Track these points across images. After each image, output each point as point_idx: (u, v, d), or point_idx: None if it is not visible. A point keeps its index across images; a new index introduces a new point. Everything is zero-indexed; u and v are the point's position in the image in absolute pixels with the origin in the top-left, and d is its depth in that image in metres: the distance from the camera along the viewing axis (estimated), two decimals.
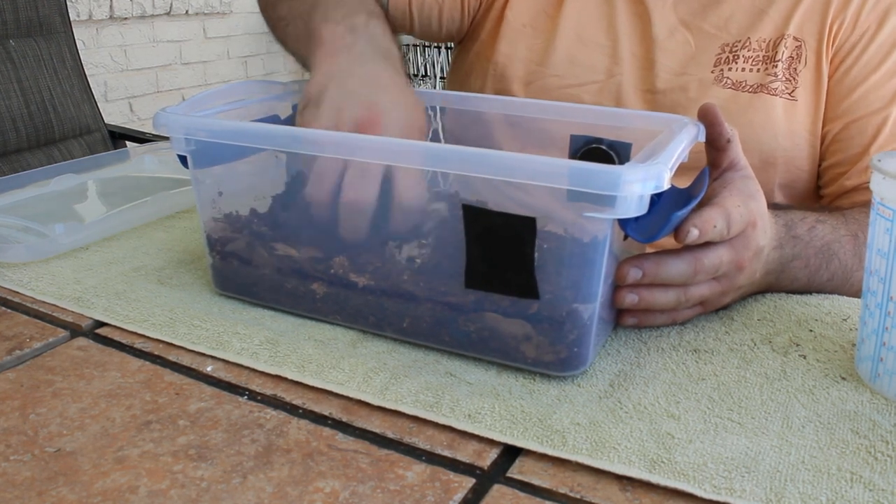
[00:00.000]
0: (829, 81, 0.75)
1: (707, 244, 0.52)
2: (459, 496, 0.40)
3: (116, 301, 0.59)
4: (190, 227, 0.76)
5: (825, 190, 0.78)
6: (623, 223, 0.46)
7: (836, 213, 0.65)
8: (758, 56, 0.76)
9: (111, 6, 2.47)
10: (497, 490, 0.40)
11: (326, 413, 0.47)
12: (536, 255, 0.46)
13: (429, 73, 3.63)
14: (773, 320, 0.58)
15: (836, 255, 0.62)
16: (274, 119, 0.67)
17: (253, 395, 0.49)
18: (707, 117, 0.55)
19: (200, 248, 0.69)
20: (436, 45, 3.45)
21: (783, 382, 0.49)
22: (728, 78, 0.76)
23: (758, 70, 0.76)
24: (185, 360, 0.52)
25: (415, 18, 0.87)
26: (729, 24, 0.78)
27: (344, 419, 0.46)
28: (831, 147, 0.76)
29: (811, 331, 0.56)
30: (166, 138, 0.57)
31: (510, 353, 0.50)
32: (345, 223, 0.53)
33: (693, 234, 0.49)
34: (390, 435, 0.45)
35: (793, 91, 0.75)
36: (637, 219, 0.45)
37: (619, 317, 0.55)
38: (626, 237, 0.49)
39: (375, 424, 0.46)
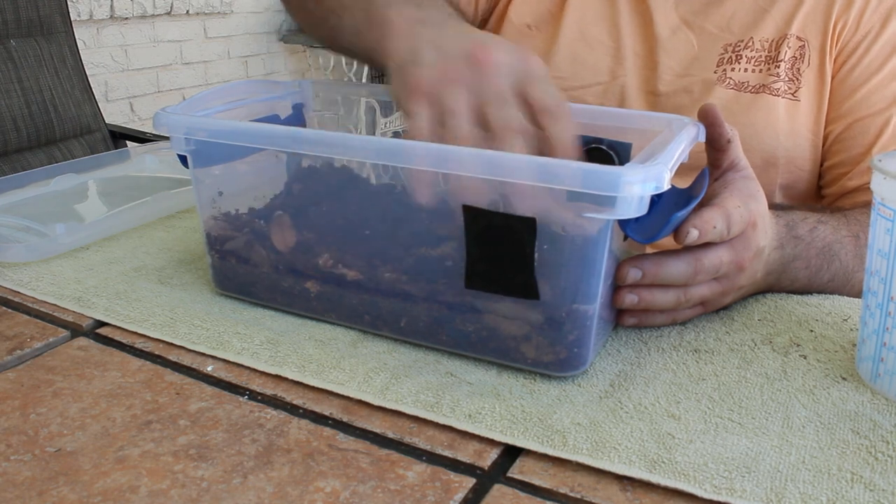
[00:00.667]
0: (831, 81, 0.75)
1: (707, 245, 0.52)
2: (460, 496, 0.40)
3: (117, 301, 0.59)
4: (190, 226, 0.76)
5: (827, 190, 0.78)
6: (623, 224, 0.46)
7: (837, 214, 0.65)
8: (760, 56, 0.76)
9: (112, 6, 2.47)
10: (497, 490, 0.40)
11: (327, 413, 0.47)
12: (536, 255, 0.46)
13: None
14: (773, 320, 0.58)
15: (838, 256, 0.61)
16: (274, 119, 0.67)
17: (253, 395, 0.49)
18: (707, 118, 0.55)
19: (201, 248, 0.69)
20: None
21: (784, 382, 0.49)
22: (730, 78, 0.76)
23: (760, 70, 0.76)
24: (186, 359, 0.52)
25: None
26: (731, 24, 0.78)
27: (344, 419, 0.46)
28: (833, 147, 0.76)
29: (812, 331, 0.56)
30: (167, 138, 0.57)
31: (510, 354, 0.50)
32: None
33: (693, 235, 0.49)
34: (391, 435, 0.45)
35: (796, 91, 0.75)
36: (637, 219, 0.45)
37: (620, 317, 0.55)
38: (625, 238, 0.49)
39: (376, 424, 0.46)
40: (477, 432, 0.44)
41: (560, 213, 0.46)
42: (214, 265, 0.60)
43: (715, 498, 0.39)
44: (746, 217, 0.52)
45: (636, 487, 0.41)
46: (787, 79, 0.75)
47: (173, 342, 0.54)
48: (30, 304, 0.60)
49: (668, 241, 0.51)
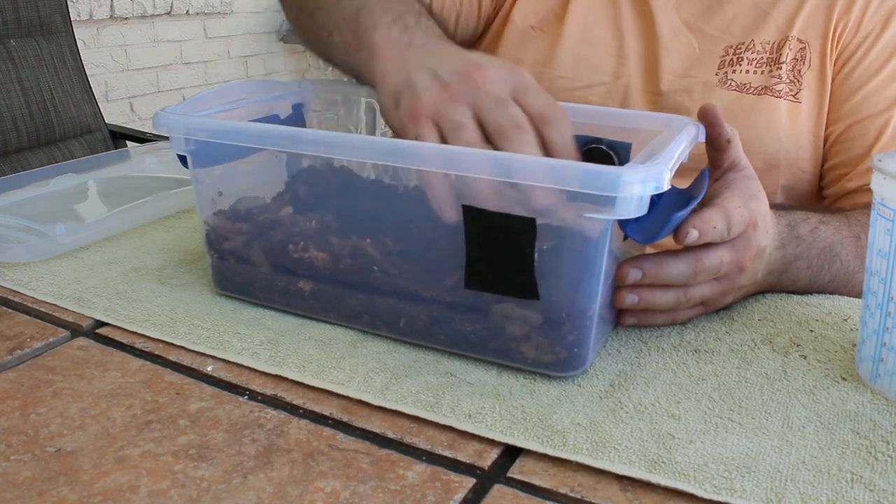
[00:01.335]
0: (832, 83, 0.75)
1: (708, 245, 0.52)
2: (460, 496, 0.40)
3: (117, 301, 0.59)
4: (190, 227, 0.76)
5: (827, 191, 0.78)
6: (623, 224, 0.46)
7: (838, 215, 0.65)
8: (762, 58, 0.76)
9: (112, 6, 2.47)
10: (497, 490, 0.40)
11: (327, 413, 0.47)
12: (536, 255, 0.46)
13: None
14: (773, 320, 0.58)
15: (839, 257, 0.61)
16: (274, 119, 0.67)
17: (253, 395, 0.49)
18: (707, 118, 0.55)
19: (201, 248, 0.69)
20: None
21: (784, 383, 0.49)
22: (732, 80, 0.76)
23: (761, 72, 0.76)
24: (186, 359, 0.52)
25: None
26: (731, 27, 0.78)
27: (344, 419, 0.46)
28: (833, 148, 0.76)
29: (812, 331, 0.56)
30: (167, 138, 0.57)
31: (510, 354, 0.50)
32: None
33: (692, 236, 0.49)
34: (391, 435, 0.45)
35: (797, 93, 0.75)
36: (637, 219, 0.45)
37: (620, 316, 0.55)
38: (625, 238, 0.49)
39: (376, 424, 0.46)
40: (477, 432, 0.44)
41: (560, 213, 0.46)
42: (214, 265, 0.60)
43: (715, 498, 0.39)
44: (747, 217, 0.52)
45: (636, 487, 0.41)
46: (788, 80, 0.75)
47: (173, 342, 0.54)
48: (30, 304, 0.60)
49: (668, 241, 0.51)
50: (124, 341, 0.55)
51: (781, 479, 0.40)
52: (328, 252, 0.54)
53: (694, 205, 0.49)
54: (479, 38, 0.90)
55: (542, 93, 0.52)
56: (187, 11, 2.76)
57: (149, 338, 0.55)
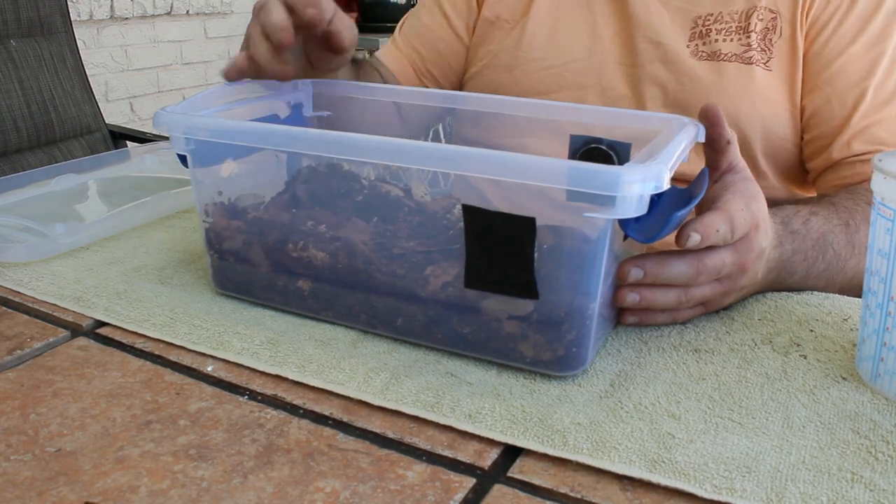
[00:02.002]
0: (806, 54, 0.76)
1: (710, 246, 0.51)
2: (460, 496, 0.40)
3: (117, 301, 0.59)
4: (190, 227, 0.76)
5: (810, 164, 0.79)
6: (623, 223, 0.46)
7: (825, 203, 0.66)
8: (730, 27, 0.78)
9: (112, 6, 2.47)
10: (497, 490, 0.40)
11: (327, 413, 0.47)
12: (536, 255, 0.46)
13: None
14: (773, 320, 0.58)
15: (831, 246, 0.62)
16: (273, 119, 0.67)
17: (253, 395, 0.49)
18: (708, 118, 0.55)
19: (201, 248, 0.69)
20: None
21: (784, 382, 0.49)
22: (703, 51, 0.78)
23: (731, 39, 0.77)
24: (186, 359, 0.52)
25: (432, 72, 0.94)
26: None
27: (344, 419, 0.46)
28: (812, 120, 0.77)
29: (812, 331, 0.56)
30: (167, 138, 0.57)
31: (508, 353, 0.50)
32: None
33: (694, 239, 0.49)
34: (391, 435, 0.45)
35: (768, 62, 0.77)
36: (637, 219, 0.45)
37: (620, 315, 0.55)
38: (625, 237, 0.49)
39: (376, 424, 0.46)
40: (477, 432, 0.44)
41: (560, 213, 0.46)
42: (214, 265, 0.60)
43: (715, 498, 0.39)
44: (749, 220, 0.52)
45: (636, 487, 0.40)
46: (758, 48, 0.76)
47: (173, 342, 0.54)
48: (30, 304, 0.60)
49: (668, 240, 0.51)
50: (124, 341, 0.55)
51: (781, 478, 0.40)
52: (327, 251, 0.54)
53: (694, 204, 0.49)
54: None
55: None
56: (187, 11, 2.76)
57: (149, 338, 0.55)
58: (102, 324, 0.57)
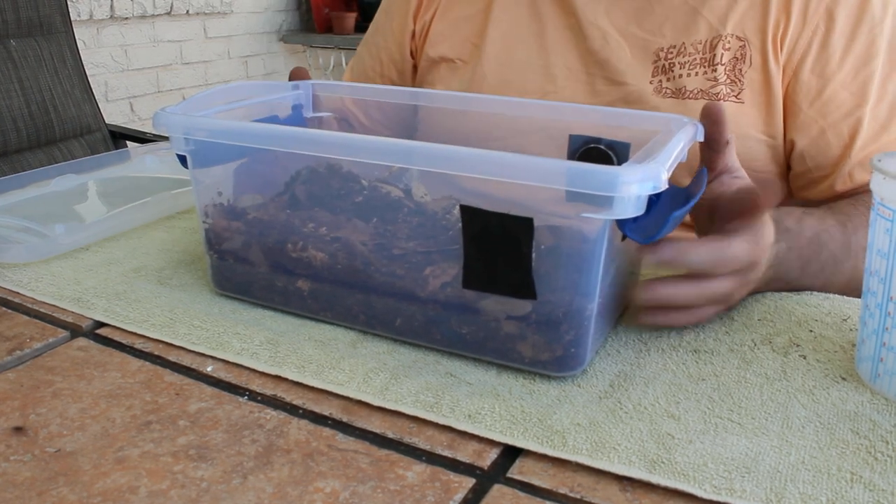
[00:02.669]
0: (789, 85, 0.72)
1: (728, 236, 0.52)
2: (460, 496, 0.40)
3: (116, 301, 0.59)
4: (190, 227, 0.76)
5: (805, 194, 0.76)
6: (621, 223, 0.46)
7: (821, 206, 0.65)
8: (694, 59, 0.74)
9: (112, 6, 2.47)
10: (497, 490, 0.40)
11: (326, 413, 0.47)
12: (534, 255, 0.46)
13: None
14: (773, 320, 0.58)
15: (826, 245, 0.61)
16: (273, 119, 0.67)
17: (253, 396, 0.49)
18: (710, 116, 0.54)
19: (200, 249, 0.69)
20: None
21: (783, 383, 0.49)
22: (667, 88, 0.75)
23: (696, 74, 0.74)
24: (186, 360, 0.52)
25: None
26: (663, 28, 0.76)
27: (344, 419, 0.46)
28: (807, 153, 0.73)
29: (811, 331, 0.56)
30: (167, 138, 0.58)
31: (506, 353, 0.50)
32: None
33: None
34: (390, 435, 0.45)
35: (738, 93, 0.73)
36: (635, 219, 0.45)
37: (642, 314, 0.54)
38: (624, 237, 0.49)
39: (375, 424, 0.46)
40: (477, 432, 0.44)
41: (558, 213, 0.46)
42: (213, 265, 0.60)
43: (715, 498, 0.39)
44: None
45: (636, 488, 0.41)
46: (728, 81, 0.73)
47: (173, 343, 0.54)
48: (29, 305, 0.60)
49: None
50: (124, 342, 0.55)
51: (781, 479, 0.40)
52: (326, 252, 0.54)
53: (692, 204, 0.49)
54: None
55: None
56: (187, 11, 2.76)
57: (148, 338, 0.55)
58: (102, 324, 0.57)
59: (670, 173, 0.46)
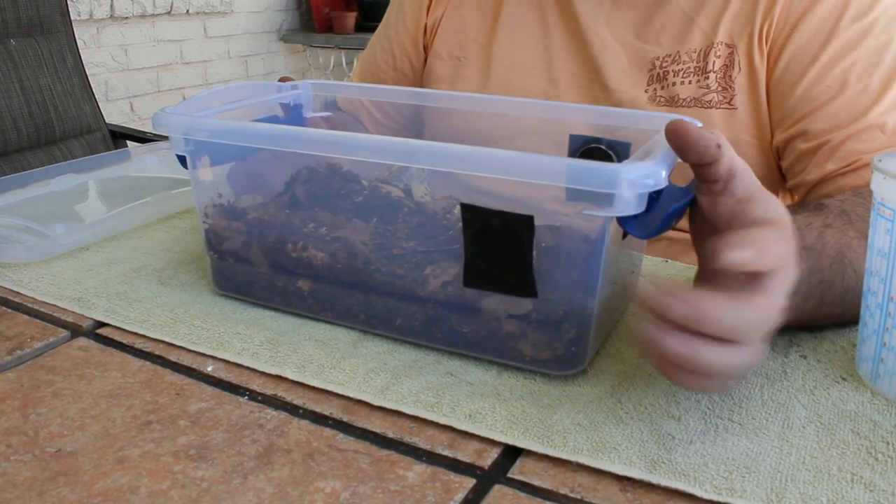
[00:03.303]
0: (769, 80, 0.73)
1: (754, 292, 0.41)
2: (460, 496, 0.40)
3: (117, 301, 0.59)
4: (190, 227, 0.76)
5: (809, 176, 0.72)
6: (622, 221, 0.46)
7: (836, 212, 0.57)
8: (688, 68, 0.75)
9: (112, 6, 2.47)
10: (497, 490, 0.40)
11: (327, 413, 0.47)
12: (534, 253, 0.46)
13: None
14: None
15: (851, 264, 0.53)
16: (273, 119, 0.67)
17: (253, 396, 0.49)
18: (676, 140, 0.44)
19: (200, 249, 0.69)
20: None
21: (783, 383, 0.49)
22: (661, 97, 0.76)
23: (689, 82, 0.75)
24: (186, 360, 0.52)
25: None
26: (660, 37, 0.77)
27: (344, 419, 0.46)
28: (792, 143, 0.72)
29: (811, 331, 0.56)
30: (167, 138, 0.58)
31: (507, 352, 0.50)
32: None
33: (745, 255, 0.39)
34: (391, 435, 0.45)
35: (731, 100, 0.74)
36: (636, 216, 0.45)
37: (663, 368, 0.42)
38: (624, 235, 0.49)
39: (376, 424, 0.46)
40: (477, 432, 0.44)
41: (559, 211, 0.46)
42: (214, 265, 0.60)
43: (715, 498, 0.39)
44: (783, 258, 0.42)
45: (636, 488, 0.40)
46: (719, 89, 0.74)
47: (173, 342, 0.54)
48: (30, 305, 0.60)
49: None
50: (124, 342, 0.55)
51: (781, 479, 0.40)
52: (327, 252, 0.54)
53: (691, 197, 0.48)
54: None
55: None
56: (187, 11, 2.76)
57: (149, 338, 0.55)
58: (102, 324, 0.57)
59: (671, 171, 0.46)
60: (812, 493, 0.39)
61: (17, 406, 0.47)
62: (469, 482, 0.41)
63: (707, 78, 0.74)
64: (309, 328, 0.56)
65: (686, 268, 0.67)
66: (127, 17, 2.55)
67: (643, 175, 0.43)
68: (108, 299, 0.60)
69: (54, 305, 0.59)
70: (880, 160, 0.47)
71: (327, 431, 0.45)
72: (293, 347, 0.53)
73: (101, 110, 1.68)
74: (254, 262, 0.58)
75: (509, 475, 0.41)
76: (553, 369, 0.49)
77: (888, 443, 0.43)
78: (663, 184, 0.44)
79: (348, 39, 3.12)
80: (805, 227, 0.53)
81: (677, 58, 0.75)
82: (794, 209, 0.59)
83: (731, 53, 0.74)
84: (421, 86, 0.93)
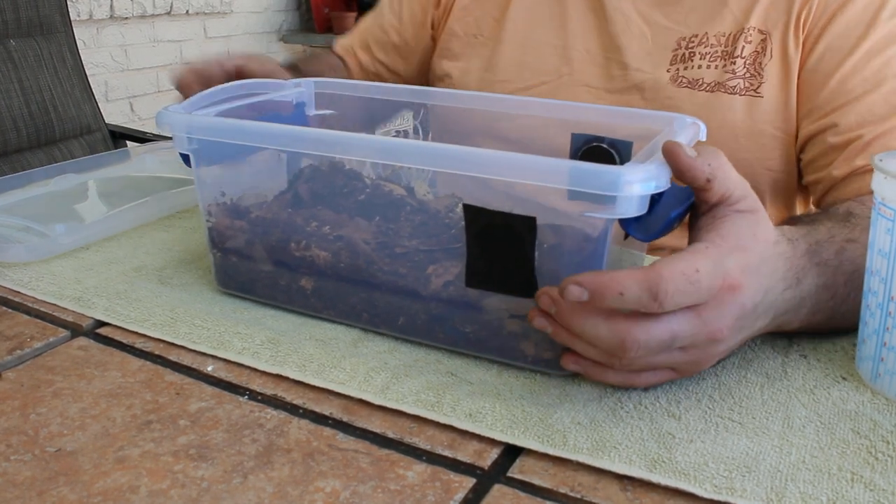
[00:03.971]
0: (801, 70, 0.71)
1: (649, 315, 0.42)
2: (460, 496, 0.40)
3: (117, 301, 0.59)
4: (191, 226, 0.76)
5: (810, 179, 0.73)
6: (623, 222, 0.46)
7: (865, 225, 0.52)
8: (715, 52, 0.73)
9: (112, 6, 2.47)
10: (497, 490, 0.40)
11: (327, 413, 0.47)
12: (536, 254, 0.46)
13: None
14: None
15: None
16: (276, 118, 0.67)
17: (253, 395, 0.49)
18: (670, 160, 0.45)
19: (201, 248, 0.69)
20: None
21: (784, 382, 0.49)
22: (683, 77, 0.74)
23: (715, 66, 0.73)
24: (186, 359, 0.52)
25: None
26: (688, 18, 0.75)
27: (344, 419, 0.46)
28: (816, 139, 0.71)
29: None
30: (167, 138, 0.58)
31: (509, 352, 0.50)
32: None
33: (573, 292, 0.41)
34: (391, 435, 0.45)
35: (758, 87, 0.72)
36: (637, 218, 0.45)
37: (563, 357, 0.47)
38: (626, 236, 0.49)
39: (376, 424, 0.46)
40: (477, 431, 0.44)
41: (561, 212, 0.46)
42: (217, 263, 0.60)
43: (715, 497, 0.39)
44: (718, 280, 0.42)
45: (636, 487, 0.40)
46: (747, 75, 0.72)
47: (173, 342, 0.54)
48: (30, 304, 0.60)
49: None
50: (124, 341, 0.55)
51: (781, 478, 0.40)
52: (329, 250, 0.54)
53: (691, 201, 0.49)
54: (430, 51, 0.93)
55: None
56: (187, 11, 2.76)
57: (149, 338, 0.55)
58: (102, 324, 0.57)
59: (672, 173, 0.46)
60: (812, 492, 0.39)
61: (17, 406, 0.47)
62: (469, 482, 0.41)
63: (734, 63, 0.72)
64: (309, 328, 0.56)
65: None
66: (127, 18, 2.55)
67: (645, 177, 0.43)
68: (108, 299, 0.60)
69: (54, 305, 0.59)
70: (881, 160, 0.47)
71: (327, 431, 0.45)
72: (294, 347, 0.53)
73: (101, 110, 1.68)
74: (257, 261, 0.58)
75: (509, 474, 0.41)
76: (554, 369, 0.49)
77: (888, 442, 0.43)
78: (665, 186, 0.44)
79: None
80: (826, 241, 0.52)
81: (704, 39, 0.74)
82: (820, 217, 0.57)
83: (765, 40, 0.72)
84: (427, 60, 0.93)
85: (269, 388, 0.49)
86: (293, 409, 0.47)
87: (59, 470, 0.41)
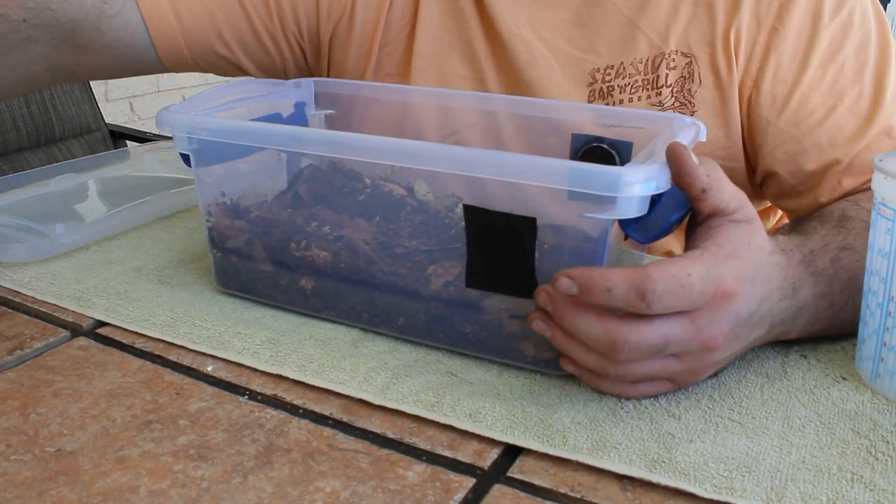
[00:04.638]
0: (750, 97, 0.65)
1: (640, 316, 0.42)
2: (460, 496, 0.40)
3: (117, 301, 0.59)
4: (191, 226, 0.76)
5: (784, 203, 0.70)
6: (623, 223, 0.46)
7: (860, 229, 0.54)
8: (636, 82, 0.65)
9: None
10: (497, 490, 0.40)
11: (327, 413, 0.47)
12: (537, 255, 0.46)
13: None
14: None
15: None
16: (276, 118, 0.67)
17: (253, 395, 0.49)
18: (672, 163, 0.44)
19: (201, 248, 0.69)
20: None
21: (784, 382, 0.49)
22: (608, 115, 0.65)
23: (638, 98, 0.66)
24: (186, 359, 0.52)
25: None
26: (596, 44, 0.66)
27: (344, 419, 0.46)
28: (788, 167, 0.66)
29: None
30: (167, 137, 0.58)
31: (509, 352, 0.50)
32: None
33: (563, 284, 0.41)
34: (391, 435, 0.45)
35: (692, 115, 0.65)
36: (637, 219, 0.45)
37: (561, 358, 0.47)
38: (626, 237, 0.49)
39: (376, 424, 0.46)
40: (477, 431, 0.44)
41: (561, 213, 0.46)
42: (217, 263, 0.60)
43: (715, 497, 0.39)
44: (710, 288, 0.42)
45: (636, 487, 0.41)
46: (676, 104, 0.65)
47: (173, 342, 0.54)
48: (30, 304, 0.60)
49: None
50: (124, 341, 0.55)
51: (781, 478, 0.40)
52: (329, 251, 0.54)
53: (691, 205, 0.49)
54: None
55: None
56: None
57: (149, 338, 0.55)
58: (102, 324, 0.57)
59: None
60: (812, 492, 0.39)
61: (17, 406, 0.47)
62: (469, 482, 0.41)
63: (659, 94, 0.65)
64: (309, 328, 0.56)
65: None
66: None
67: (646, 178, 0.43)
68: (108, 299, 0.60)
69: (54, 305, 0.59)
70: (881, 160, 0.47)
71: (327, 431, 0.45)
72: (294, 347, 0.53)
73: (101, 110, 1.68)
74: (257, 261, 0.58)
75: (509, 474, 0.41)
76: (554, 369, 0.49)
77: (888, 442, 0.43)
78: (665, 187, 0.44)
79: None
80: (821, 250, 0.51)
81: (621, 70, 0.65)
82: (814, 224, 0.56)
83: (690, 63, 0.65)
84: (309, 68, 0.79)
85: (269, 388, 0.49)
86: (293, 409, 0.47)
87: (59, 470, 0.41)
